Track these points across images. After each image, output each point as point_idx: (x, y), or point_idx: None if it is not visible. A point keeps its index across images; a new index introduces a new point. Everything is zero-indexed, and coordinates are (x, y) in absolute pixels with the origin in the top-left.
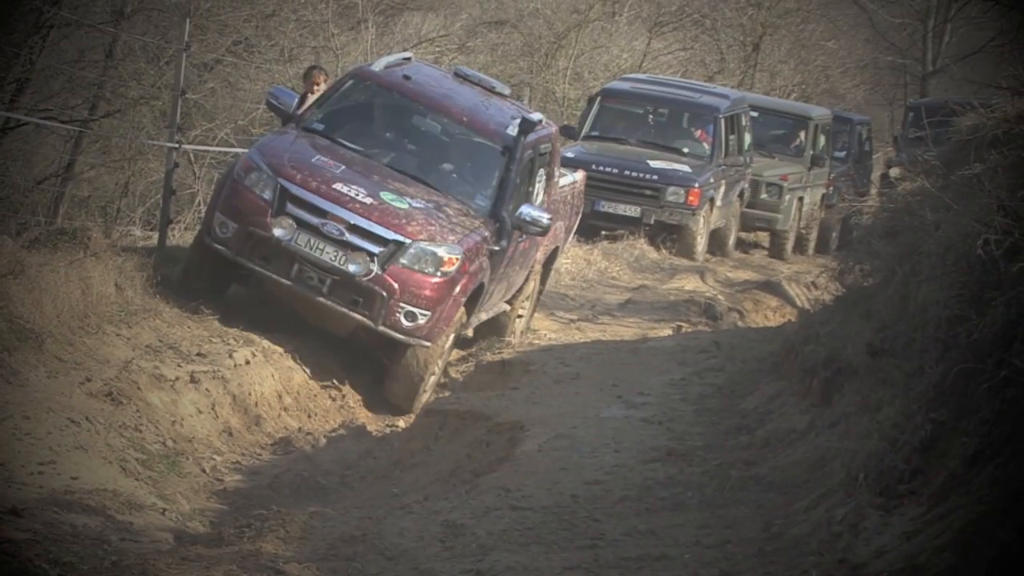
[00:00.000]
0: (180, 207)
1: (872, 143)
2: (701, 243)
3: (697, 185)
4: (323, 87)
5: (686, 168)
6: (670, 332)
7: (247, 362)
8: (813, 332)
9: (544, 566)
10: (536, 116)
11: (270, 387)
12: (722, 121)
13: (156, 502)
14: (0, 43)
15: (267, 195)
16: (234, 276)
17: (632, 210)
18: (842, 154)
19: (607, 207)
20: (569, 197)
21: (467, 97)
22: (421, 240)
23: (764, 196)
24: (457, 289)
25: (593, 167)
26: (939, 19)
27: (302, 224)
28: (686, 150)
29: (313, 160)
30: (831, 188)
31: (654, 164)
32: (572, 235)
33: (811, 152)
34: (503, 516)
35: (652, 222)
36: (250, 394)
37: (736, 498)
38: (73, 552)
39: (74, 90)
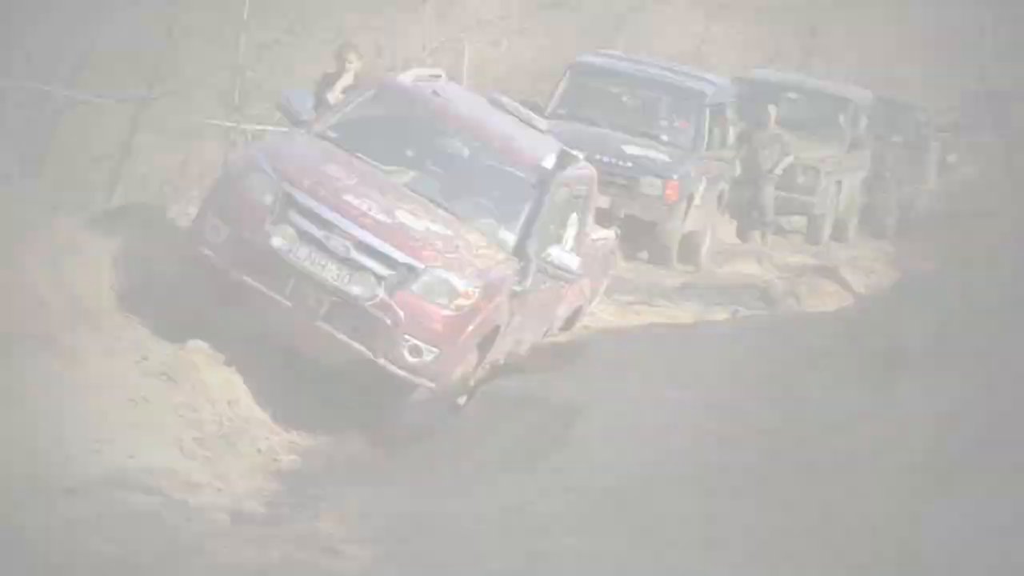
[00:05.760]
0: None
1: (931, 129)
2: (676, 247)
3: (676, 177)
4: (356, 65)
5: (665, 157)
6: (727, 316)
7: None
8: (871, 317)
9: (600, 549)
10: (578, 152)
11: None
12: (707, 110)
13: (212, 481)
14: (60, 21)
15: (268, 199)
16: (222, 297)
17: (601, 200)
18: (899, 140)
19: None
20: (599, 253)
21: (501, 122)
22: (436, 267)
23: (800, 179)
24: (471, 327)
25: None
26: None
27: (303, 235)
28: (665, 138)
29: (324, 168)
30: (888, 174)
31: (628, 150)
32: (599, 297)
33: (850, 134)
34: (559, 499)
35: (623, 216)
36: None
37: (793, 483)
38: (129, 531)
39: (133, 69)
